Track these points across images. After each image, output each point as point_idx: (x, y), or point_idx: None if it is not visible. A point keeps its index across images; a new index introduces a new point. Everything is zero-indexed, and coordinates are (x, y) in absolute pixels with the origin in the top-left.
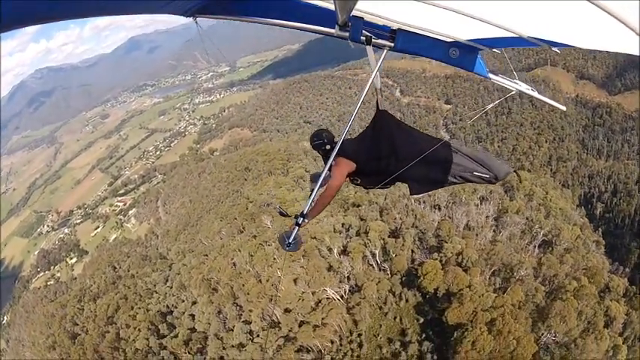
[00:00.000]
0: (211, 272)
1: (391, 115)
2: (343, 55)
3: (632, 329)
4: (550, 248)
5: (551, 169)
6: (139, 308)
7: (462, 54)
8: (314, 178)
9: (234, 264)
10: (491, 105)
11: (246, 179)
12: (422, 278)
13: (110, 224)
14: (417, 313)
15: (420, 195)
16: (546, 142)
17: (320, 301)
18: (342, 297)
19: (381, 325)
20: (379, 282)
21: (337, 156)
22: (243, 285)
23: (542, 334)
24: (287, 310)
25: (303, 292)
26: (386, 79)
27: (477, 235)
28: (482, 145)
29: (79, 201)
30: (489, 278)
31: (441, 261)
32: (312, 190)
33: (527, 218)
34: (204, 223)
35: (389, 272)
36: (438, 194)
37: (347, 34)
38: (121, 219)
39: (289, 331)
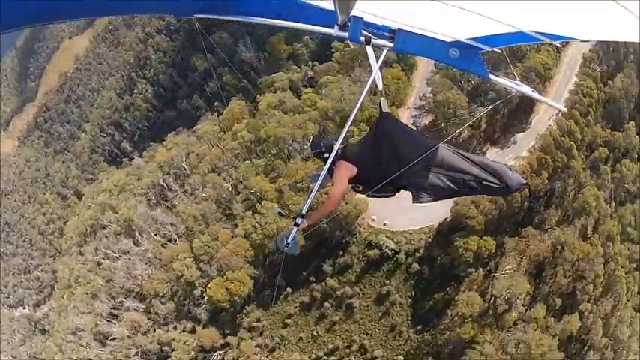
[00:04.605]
0: None
1: (395, 118)
2: None
3: None
4: None
5: None
6: None
7: (463, 54)
8: (314, 178)
9: None
10: (487, 109)
11: None
12: None
13: None
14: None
15: (425, 204)
16: None
17: None
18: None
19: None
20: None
21: (339, 159)
22: None
23: None
24: None
25: None
26: None
27: None
28: None
29: None
30: None
31: None
32: (311, 191)
33: None
34: None
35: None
36: None
37: (346, 34)
38: None
39: None
